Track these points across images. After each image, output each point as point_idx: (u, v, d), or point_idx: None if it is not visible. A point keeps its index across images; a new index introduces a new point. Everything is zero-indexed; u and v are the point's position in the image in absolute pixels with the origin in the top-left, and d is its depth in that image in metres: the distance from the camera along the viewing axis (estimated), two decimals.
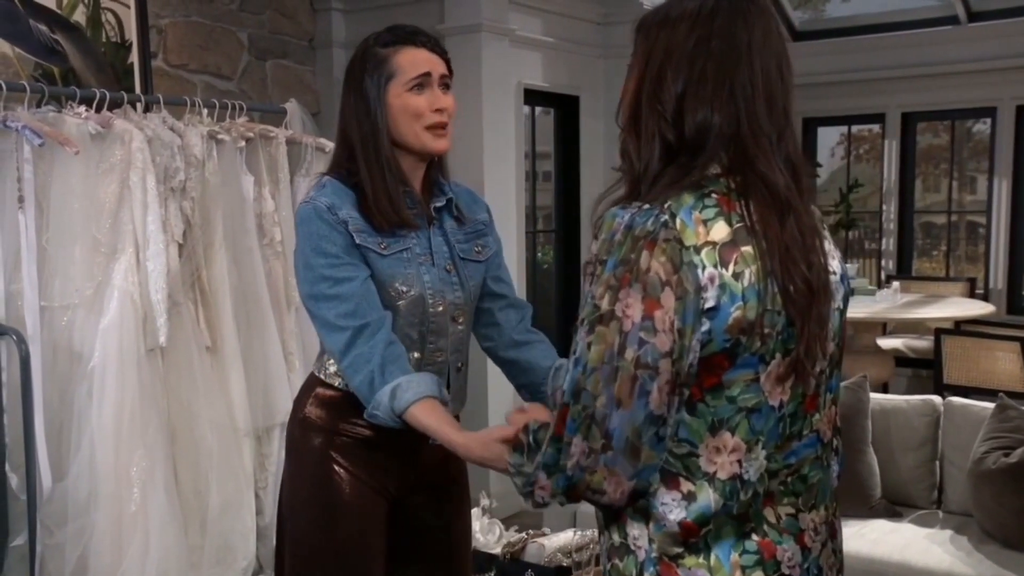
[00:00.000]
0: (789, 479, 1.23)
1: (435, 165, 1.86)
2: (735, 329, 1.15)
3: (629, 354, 1.13)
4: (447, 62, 1.81)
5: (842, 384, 3.14)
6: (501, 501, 3.62)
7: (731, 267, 1.15)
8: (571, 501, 1.24)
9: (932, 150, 7.37)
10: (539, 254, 5.35)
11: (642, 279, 1.13)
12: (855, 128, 7.29)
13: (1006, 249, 6.28)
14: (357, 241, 1.72)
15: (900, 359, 5.82)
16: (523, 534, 2.48)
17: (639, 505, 1.21)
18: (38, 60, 3.44)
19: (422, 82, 1.76)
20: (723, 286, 1.14)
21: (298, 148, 3.54)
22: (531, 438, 1.27)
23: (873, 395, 3.15)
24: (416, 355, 1.80)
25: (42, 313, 2.78)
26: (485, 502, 2.53)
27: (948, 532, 2.89)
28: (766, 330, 1.16)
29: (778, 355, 1.18)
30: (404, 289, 1.76)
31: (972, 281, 6.31)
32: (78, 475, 2.73)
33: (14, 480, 2.73)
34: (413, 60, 1.76)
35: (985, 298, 6.21)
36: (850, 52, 6.65)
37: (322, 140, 3.59)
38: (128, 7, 3.72)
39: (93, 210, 2.85)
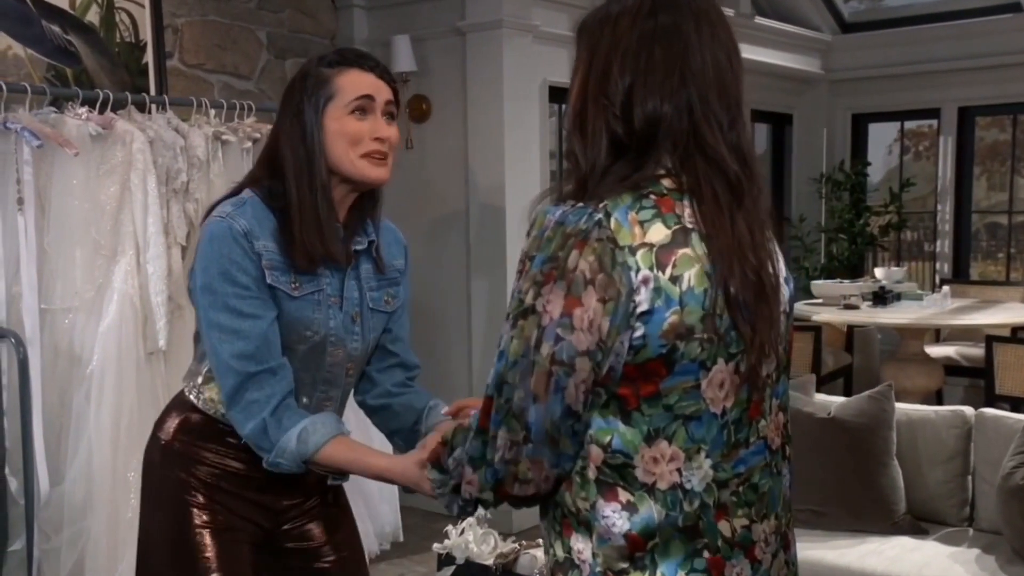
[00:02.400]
0: (740, 488, 1.22)
1: (367, 198, 1.77)
2: (671, 334, 1.14)
3: (545, 349, 1.14)
4: (395, 91, 1.72)
5: (867, 393, 3.08)
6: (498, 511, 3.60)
7: (668, 270, 1.14)
8: (497, 501, 1.25)
9: (998, 146, 7.17)
10: None
11: (567, 277, 1.13)
12: (914, 124, 7.13)
13: None
14: (268, 280, 1.64)
15: (954, 368, 5.67)
16: (516, 544, 2.47)
17: (582, 518, 1.21)
18: (51, 61, 3.52)
19: (364, 106, 1.68)
20: (658, 289, 1.13)
21: None
22: (450, 445, 1.30)
23: (900, 405, 3.08)
24: (304, 400, 1.73)
25: (43, 316, 2.84)
26: (480, 511, 2.52)
27: (975, 551, 2.80)
28: (707, 335, 1.15)
29: (720, 360, 1.17)
30: (309, 334, 1.69)
31: None
32: (75, 479, 2.78)
33: (13, 484, 2.79)
34: (356, 82, 1.67)
35: None
36: (902, 44, 6.51)
37: None
38: (143, 7, 3.79)
39: (94, 212, 2.91)
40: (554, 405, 1.16)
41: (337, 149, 1.67)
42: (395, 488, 3.68)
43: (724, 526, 1.21)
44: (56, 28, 3.52)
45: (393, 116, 1.73)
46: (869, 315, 5.06)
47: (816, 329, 4.86)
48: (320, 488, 1.84)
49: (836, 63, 6.80)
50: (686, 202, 1.18)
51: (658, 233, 1.15)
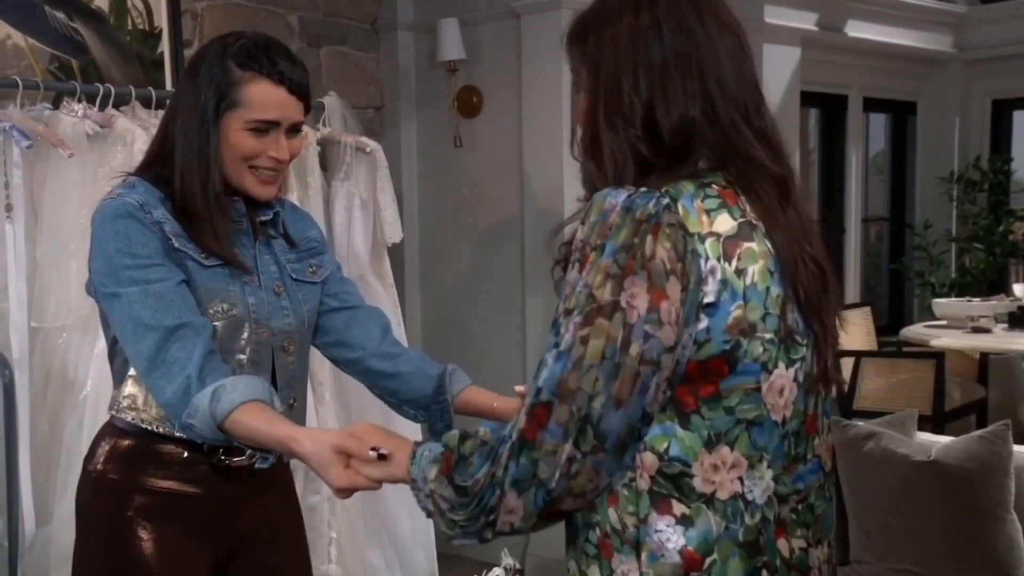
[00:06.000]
0: (799, 507, 1.30)
1: None
2: (735, 330, 1.21)
3: (634, 349, 1.18)
4: (306, 104, 1.83)
5: (977, 433, 2.99)
6: (536, 560, 3.58)
7: (734, 262, 1.22)
8: (536, 526, 1.26)
9: None
10: None
11: (647, 267, 1.19)
12: None
13: None
14: (176, 245, 1.73)
15: None
16: None
17: (628, 535, 1.25)
18: (55, 52, 3.65)
19: (267, 128, 1.78)
20: (724, 281, 1.21)
21: (336, 148, 3.63)
22: (458, 454, 1.28)
23: (1021, 448, 2.97)
24: None
25: (33, 335, 2.94)
26: (508, 561, 2.52)
27: None
28: (768, 336, 1.23)
29: (781, 365, 1.25)
30: (225, 308, 1.78)
31: None
32: (63, 519, 2.86)
33: None
34: (264, 101, 1.76)
35: None
36: None
37: (363, 139, 3.67)
38: None
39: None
40: (635, 409, 1.21)
41: (227, 158, 1.78)
42: (431, 533, 3.70)
43: (783, 545, 1.27)
44: (61, 15, 3.65)
45: (299, 130, 1.83)
46: (1002, 340, 4.90)
47: (937, 356, 4.72)
48: (268, 517, 1.91)
49: (972, 39, 6.60)
50: (744, 197, 1.27)
51: (725, 223, 1.23)
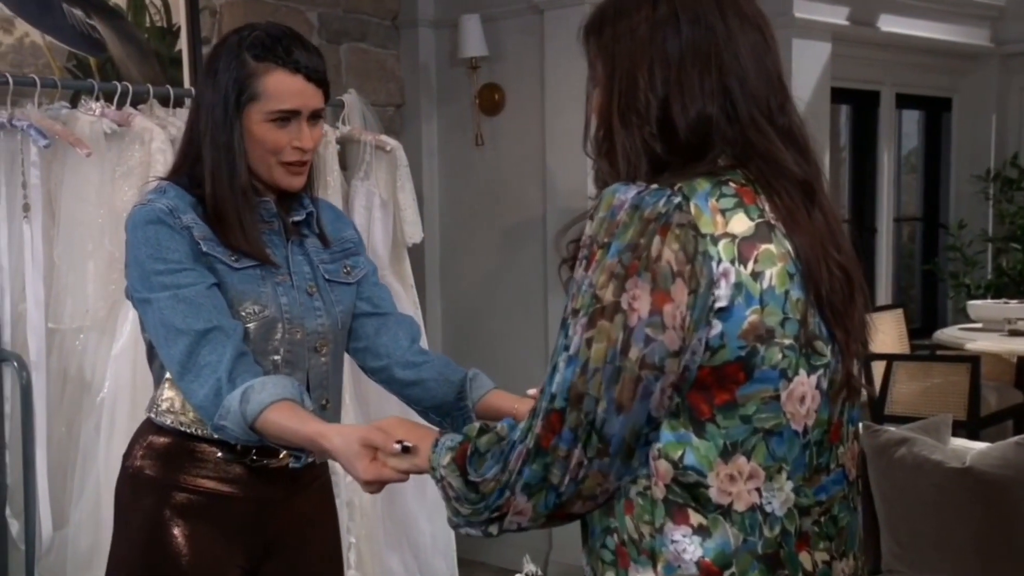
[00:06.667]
0: (822, 519, 1.28)
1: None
2: (751, 335, 1.19)
3: (634, 353, 1.18)
4: (325, 91, 1.86)
5: (1014, 439, 2.97)
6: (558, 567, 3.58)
7: (750, 265, 1.20)
8: (545, 525, 1.29)
9: None
10: None
11: (652, 268, 1.18)
12: None
13: None
14: (204, 249, 1.77)
15: None
16: None
17: (644, 545, 1.25)
18: (72, 49, 3.68)
19: (287, 117, 1.81)
20: (739, 285, 1.19)
21: (356, 147, 3.65)
22: (474, 445, 1.30)
23: None
24: None
25: (50, 336, 2.96)
26: (530, 567, 2.53)
27: None
28: (787, 341, 1.21)
29: (802, 372, 1.23)
30: (257, 309, 1.81)
31: None
32: (80, 523, 2.89)
33: (15, 527, 2.91)
34: (282, 90, 1.80)
35: None
36: None
37: (383, 138, 3.68)
38: None
39: (109, 220, 3.02)
40: (639, 414, 1.20)
41: (254, 154, 1.82)
42: (451, 539, 3.70)
43: (805, 558, 1.26)
44: (78, 12, 3.67)
45: (319, 116, 1.86)
46: None
47: (972, 360, 4.70)
48: (302, 522, 1.94)
49: (1010, 33, 6.56)
50: (763, 196, 1.25)
51: (741, 224, 1.21)
